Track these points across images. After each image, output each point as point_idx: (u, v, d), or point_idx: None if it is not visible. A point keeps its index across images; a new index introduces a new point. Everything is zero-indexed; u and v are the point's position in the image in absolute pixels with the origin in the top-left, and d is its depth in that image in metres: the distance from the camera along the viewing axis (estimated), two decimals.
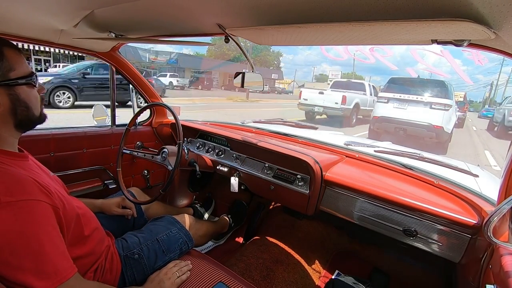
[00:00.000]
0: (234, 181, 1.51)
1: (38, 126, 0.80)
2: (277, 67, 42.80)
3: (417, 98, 5.91)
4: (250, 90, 1.37)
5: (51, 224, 0.66)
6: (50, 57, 19.68)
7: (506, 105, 9.41)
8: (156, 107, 1.85)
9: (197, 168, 1.47)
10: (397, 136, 5.97)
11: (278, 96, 28.07)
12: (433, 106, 5.73)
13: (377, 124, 6.39)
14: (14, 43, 0.72)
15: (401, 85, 6.33)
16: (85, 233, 0.81)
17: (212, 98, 15.61)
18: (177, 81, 20.30)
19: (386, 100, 6.19)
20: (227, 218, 1.75)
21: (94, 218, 0.91)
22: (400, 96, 6.02)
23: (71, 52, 18.46)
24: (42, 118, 0.78)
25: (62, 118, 6.01)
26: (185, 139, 1.77)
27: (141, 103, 2.02)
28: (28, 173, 0.69)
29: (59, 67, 17.40)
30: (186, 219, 1.25)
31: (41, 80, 6.75)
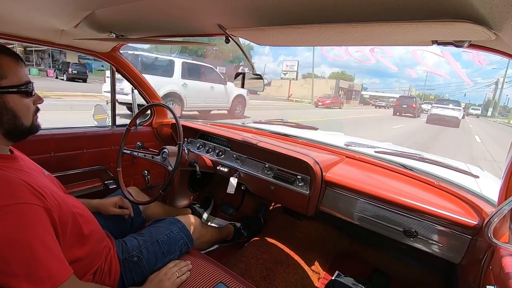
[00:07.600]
0: (233, 181, 1.51)
1: None
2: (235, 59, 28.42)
3: (448, 106, 15.55)
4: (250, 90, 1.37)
5: (43, 227, 0.64)
6: None
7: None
8: (157, 108, 1.85)
9: (197, 169, 1.46)
10: (439, 121, 14.86)
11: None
12: (454, 109, 15.20)
13: (431, 116, 15.67)
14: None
15: (441, 101, 17.79)
16: (84, 232, 0.80)
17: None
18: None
19: (436, 107, 15.89)
20: (232, 227, 1.67)
21: (92, 218, 0.90)
22: (441, 105, 15.86)
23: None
24: (34, 129, 0.76)
25: None
26: (186, 139, 1.77)
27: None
28: (19, 175, 0.67)
29: None
30: (192, 221, 1.23)
31: None
